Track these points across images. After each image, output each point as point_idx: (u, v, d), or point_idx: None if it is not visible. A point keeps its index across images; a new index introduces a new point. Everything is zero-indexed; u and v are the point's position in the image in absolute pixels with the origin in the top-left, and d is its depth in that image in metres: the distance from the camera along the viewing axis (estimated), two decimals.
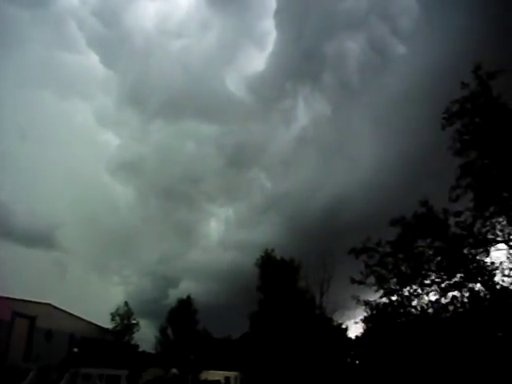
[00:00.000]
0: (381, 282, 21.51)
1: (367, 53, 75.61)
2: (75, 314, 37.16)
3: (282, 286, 44.08)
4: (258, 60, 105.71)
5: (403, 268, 21.39)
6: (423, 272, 21.95)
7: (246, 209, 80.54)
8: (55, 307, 34.70)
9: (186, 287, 64.84)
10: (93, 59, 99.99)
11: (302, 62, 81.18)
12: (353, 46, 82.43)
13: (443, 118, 18.71)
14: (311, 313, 42.05)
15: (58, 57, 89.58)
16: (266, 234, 62.66)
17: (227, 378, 51.26)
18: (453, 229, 21.05)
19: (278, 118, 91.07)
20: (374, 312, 24.12)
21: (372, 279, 21.47)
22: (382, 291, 21.85)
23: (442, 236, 21.43)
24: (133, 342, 42.72)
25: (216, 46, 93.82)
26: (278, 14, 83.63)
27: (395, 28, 72.14)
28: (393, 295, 22.19)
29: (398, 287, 21.54)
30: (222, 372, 49.37)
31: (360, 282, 22.03)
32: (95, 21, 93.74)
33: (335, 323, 46.65)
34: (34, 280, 51.78)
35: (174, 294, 56.34)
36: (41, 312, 32.66)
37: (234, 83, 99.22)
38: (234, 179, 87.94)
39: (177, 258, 74.45)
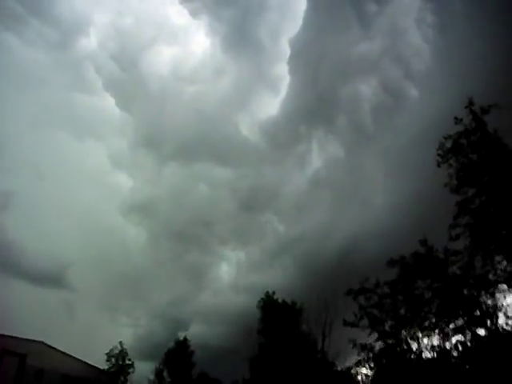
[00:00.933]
0: (374, 325, 20.74)
1: (380, 96, 76.23)
2: (70, 353, 36.07)
3: (283, 329, 42.90)
4: (271, 104, 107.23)
5: (402, 310, 20.64)
6: (422, 314, 21.15)
7: (258, 252, 79.63)
8: (48, 345, 33.77)
9: (196, 330, 63.24)
10: (109, 101, 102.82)
11: (316, 106, 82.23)
12: (366, 89, 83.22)
13: (438, 155, 18.38)
14: (313, 357, 40.56)
15: (75, 98, 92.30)
16: (277, 277, 61.62)
17: None
18: (452, 269, 20.41)
19: (292, 161, 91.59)
20: (370, 355, 23.18)
21: (366, 321, 20.78)
22: (376, 334, 21.09)
23: (442, 277, 20.73)
24: None
25: (230, 90, 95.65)
26: (292, 58, 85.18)
27: (408, 71, 73.06)
28: (388, 338, 21.33)
29: (393, 330, 20.74)
30: None
31: (352, 325, 21.33)
32: (113, 64, 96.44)
33: (340, 368, 45.10)
34: (42, 319, 51.55)
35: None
36: (32, 350, 31.70)
37: (248, 127, 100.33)
38: (246, 223, 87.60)
39: (187, 300, 73.39)
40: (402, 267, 20.98)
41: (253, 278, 67.06)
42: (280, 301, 46.08)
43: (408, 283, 21.01)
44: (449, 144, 18.43)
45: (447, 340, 21.67)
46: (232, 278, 75.51)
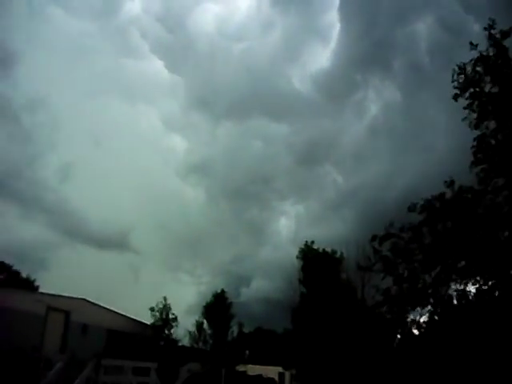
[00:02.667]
0: (388, 269, 20.09)
1: (438, 33, 71.72)
2: (112, 309, 37.50)
3: (323, 278, 42.90)
4: (323, 55, 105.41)
5: (420, 256, 19.83)
6: (450, 261, 20.32)
7: (318, 205, 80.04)
8: (91, 302, 35.19)
9: (257, 285, 65.39)
10: (157, 65, 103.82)
11: (370, 51, 79.47)
12: (422, 27, 78.69)
13: (454, 88, 17.06)
14: (352, 304, 40.48)
15: (124, 64, 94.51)
16: (338, 229, 61.52)
17: (281, 374, 50.66)
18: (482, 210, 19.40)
19: (348, 110, 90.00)
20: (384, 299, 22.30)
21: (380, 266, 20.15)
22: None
23: (472, 218, 19.73)
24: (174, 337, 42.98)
25: (279, 44, 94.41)
26: (342, 5, 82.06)
27: (468, 3, 68.42)
28: (404, 283, 20.62)
29: (410, 274, 19.99)
30: (263, 367, 48.76)
31: (366, 269, 20.77)
32: (158, 27, 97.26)
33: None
34: (109, 281, 56.97)
35: (246, 293, 57.42)
36: (76, 307, 33.12)
37: (301, 80, 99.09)
38: (304, 177, 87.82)
39: (248, 257, 75.51)
40: (428, 210, 19.97)
41: (313, 231, 67.56)
42: (320, 250, 45.92)
43: (434, 227, 20.06)
44: (468, 71, 16.88)
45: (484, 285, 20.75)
46: (292, 233, 76.11)
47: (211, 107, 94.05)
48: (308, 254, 44.82)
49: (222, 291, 47.56)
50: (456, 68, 16.94)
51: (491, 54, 16.22)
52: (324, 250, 45.16)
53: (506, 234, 18.93)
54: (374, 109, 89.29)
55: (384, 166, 71.43)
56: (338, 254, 44.37)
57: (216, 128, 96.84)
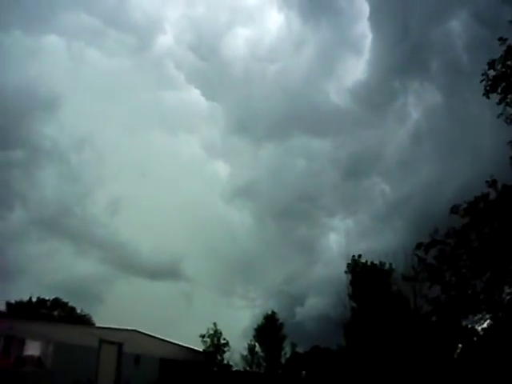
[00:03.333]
0: (434, 277, 19.36)
1: (474, 29, 69.37)
2: (163, 338, 37.73)
3: (373, 291, 41.98)
4: (358, 66, 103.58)
5: (467, 262, 19.07)
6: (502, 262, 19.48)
7: (367, 218, 78.29)
8: (142, 333, 35.58)
9: (311, 304, 64.24)
10: (194, 93, 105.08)
11: (406, 56, 77.73)
12: (457, 24, 76.78)
13: (485, 84, 16.45)
14: (406, 315, 39.26)
15: (162, 96, 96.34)
16: (388, 241, 59.85)
17: None
18: None
19: (389, 119, 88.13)
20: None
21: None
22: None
23: None
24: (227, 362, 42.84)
25: (312, 61, 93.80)
26: (372, 14, 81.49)
27: None
28: (451, 290, 19.82)
29: (458, 281, 19.20)
30: None
31: (411, 279, 20.12)
32: (192, 56, 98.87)
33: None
34: (162, 311, 56.28)
35: (301, 312, 56.54)
36: (128, 338, 33.54)
37: (338, 94, 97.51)
38: (351, 190, 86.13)
39: (300, 275, 74.24)
40: (471, 213, 19.25)
41: (363, 244, 65.60)
42: (369, 263, 45.11)
43: (480, 229, 19.30)
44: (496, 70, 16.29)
45: None
46: (342, 248, 74.43)
47: (251, 130, 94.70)
48: (356, 268, 43.90)
49: (273, 313, 47.21)
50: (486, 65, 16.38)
51: None
52: (372, 262, 44.09)
53: None
54: (415, 114, 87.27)
55: (432, 172, 69.38)
56: (387, 266, 43.09)
57: (257, 150, 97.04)
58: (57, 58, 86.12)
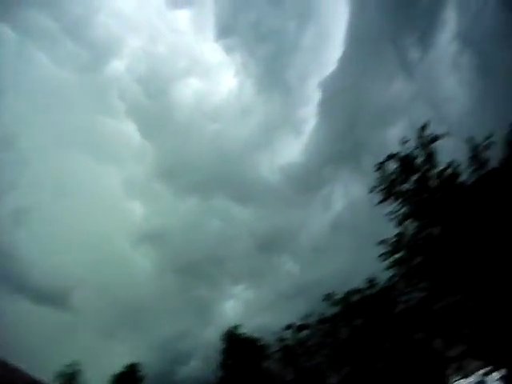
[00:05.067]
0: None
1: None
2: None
3: (243, 363, 41.26)
4: (295, 147, 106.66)
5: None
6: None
7: (271, 294, 77.90)
8: None
9: (196, 365, 61.89)
10: (130, 127, 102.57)
11: (342, 149, 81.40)
12: (395, 131, 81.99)
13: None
14: None
15: (98, 121, 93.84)
16: (287, 319, 59.86)
17: None
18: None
19: (314, 203, 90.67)
20: None
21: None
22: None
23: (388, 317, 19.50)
24: None
25: (254, 131, 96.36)
26: (320, 102, 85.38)
27: (440, 114, 71.27)
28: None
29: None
30: None
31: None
32: (139, 89, 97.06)
33: None
34: (40, 337, 52.59)
35: (184, 371, 54.18)
36: None
37: (270, 169, 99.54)
38: (261, 263, 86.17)
39: (190, 335, 71.65)
40: (343, 304, 19.60)
41: (262, 318, 65.33)
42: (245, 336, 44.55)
43: (349, 320, 19.63)
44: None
45: None
46: (239, 317, 73.48)
47: (177, 179, 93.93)
48: (232, 337, 43.10)
49: (134, 363, 44.81)
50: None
51: (418, 155, 17.18)
52: (249, 336, 43.56)
53: (421, 335, 18.81)
54: (339, 203, 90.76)
55: (344, 261, 71.44)
56: (264, 342, 42.70)
57: (178, 201, 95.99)
58: (4, 51, 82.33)
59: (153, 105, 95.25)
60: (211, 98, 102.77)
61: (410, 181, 18.00)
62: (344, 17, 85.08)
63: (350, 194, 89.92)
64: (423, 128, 18.18)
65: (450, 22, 56.68)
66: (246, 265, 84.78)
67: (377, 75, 78.90)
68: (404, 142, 18.19)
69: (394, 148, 18.52)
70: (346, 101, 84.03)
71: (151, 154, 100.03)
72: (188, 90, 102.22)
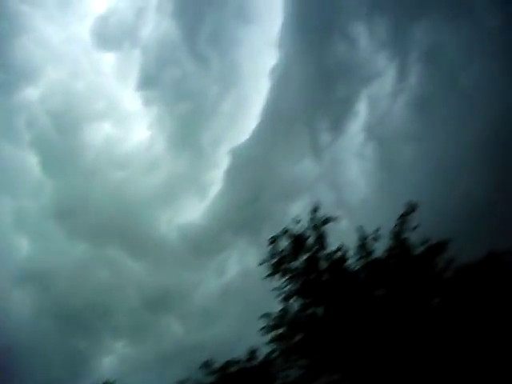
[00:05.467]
0: None
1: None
2: None
3: None
4: (197, 209, 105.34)
5: None
6: None
7: (151, 353, 74.32)
8: None
9: None
10: (31, 159, 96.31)
11: (244, 219, 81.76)
12: (296, 208, 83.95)
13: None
14: None
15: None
16: (167, 381, 57.40)
17: None
18: None
19: (208, 268, 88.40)
20: None
21: None
22: None
23: None
24: None
25: (159, 186, 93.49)
26: (232, 168, 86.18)
27: (340, 198, 74.32)
28: None
29: None
30: None
31: None
32: (48, 122, 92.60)
33: None
34: None
35: None
36: None
37: (169, 226, 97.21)
38: (145, 320, 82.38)
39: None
40: (220, 374, 19.36)
41: (138, 378, 62.52)
42: None
43: None
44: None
45: None
46: (115, 374, 69.57)
47: (72, 221, 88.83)
48: None
49: None
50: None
51: (310, 235, 17.97)
52: None
53: None
54: (233, 271, 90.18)
55: (230, 329, 70.66)
56: None
57: (69, 243, 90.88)
58: None
59: (61, 140, 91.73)
60: (121, 146, 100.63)
61: (300, 259, 18.83)
62: (264, 90, 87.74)
63: (245, 263, 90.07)
64: (315, 210, 19.29)
65: (361, 114, 60.08)
66: (130, 321, 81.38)
67: (287, 151, 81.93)
68: (297, 221, 19.11)
69: (294, 224, 19.39)
70: (254, 171, 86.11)
71: (49, 191, 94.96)
72: (100, 132, 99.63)
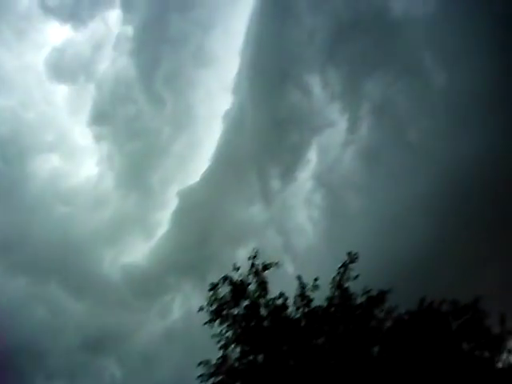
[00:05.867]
0: None
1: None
2: None
3: None
4: (143, 249, 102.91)
5: None
6: None
7: None
8: None
9: None
10: None
11: (189, 261, 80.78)
12: (242, 253, 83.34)
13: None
14: None
15: None
16: None
17: None
18: None
19: (152, 310, 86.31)
20: None
21: None
22: None
23: None
24: None
25: (104, 224, 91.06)
26: (179, 210, 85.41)
27: (288, 244, 74.56)
28: None
29: None
30: None
31: None
32: None
33: None
34: None
35: None
36: None
37: (113, 266, 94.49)
38: (82, 363, 78.61)
39: None
40: None
41: None
42: None
43: None
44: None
45: None
46: None
47: (11, 255, 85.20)
48: None
49: None
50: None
51: (251, 281, 18.15)
52: None
53: None
54: (176, 313, 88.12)
55: (170, 373, 68.63)
56: None
57: (6, 278, 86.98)
58: None
59: (5, 170, 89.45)
60: (68, 180, 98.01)
61: (241, 306, 18.80)
62: (217, 134, 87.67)
63: (189, 307, 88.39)
64: (255, 256, 19.56)
65: (311, 163, 61.46)
66: (66, 362, 77.90)
67: (237, 196, 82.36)
68: (236, 268, 19.26)
69: (234, 270, 19.45)
70: (202, 215, 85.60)
71: None
72: (47, 165, 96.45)
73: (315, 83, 58.52)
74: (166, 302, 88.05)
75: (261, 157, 70.52)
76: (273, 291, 19.77)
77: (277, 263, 19.61)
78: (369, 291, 19.89)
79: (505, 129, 40.79)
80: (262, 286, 18.94)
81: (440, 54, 50.96)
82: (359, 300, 19.96)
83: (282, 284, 21.70)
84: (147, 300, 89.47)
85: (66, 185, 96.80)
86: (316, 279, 19.07)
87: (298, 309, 18.78)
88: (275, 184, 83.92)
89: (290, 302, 19.63)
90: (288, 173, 68.84)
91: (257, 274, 18.94)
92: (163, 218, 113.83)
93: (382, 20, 54.10)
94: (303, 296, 18.88)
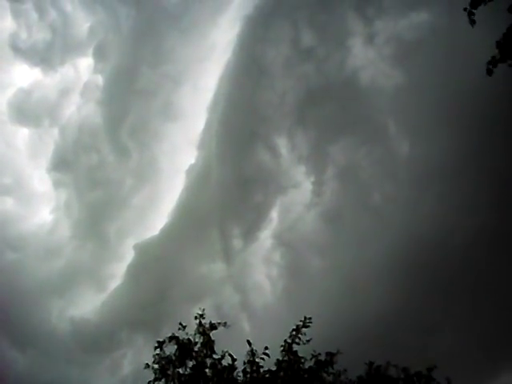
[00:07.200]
0: None
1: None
2: None
3: None
4: (93, 302, 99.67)
5: None
6: None
7: None
8: None
9: None
10: None
11: (143, 315, 79.24)
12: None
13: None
14: None
15: None
16: None
17: None
18: None
19: (101, 365, 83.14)
20: None
21: None
22: None
23: None
24: None
25: (55, 274, 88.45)
26: (132, 264, 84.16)
27: (246, 301, 74.02)
28: None
29: None
30: None
31: None
32: None
33: None
34: None
35: None
36: None
37: (61, 318, 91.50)
38: None
39: None
40: None
41: None
42: None
43: None
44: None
45: None
46: None
47: None
48: None
49: None
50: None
51: (198, 340, 18.33)
52: None
53: None
54: (127, 368, 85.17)
55: None
56: None
57: None
58: None
59: None
60: (21, 226, 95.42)
61: (187, 366, 18.67)
62: (179, 189, 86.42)
63: (140, 363, 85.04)
64: (202, 315, 19.55)
65: (273, 221, 62.35)
66: None
67: (195, 253, 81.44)
68: (183, 326, 19.18)
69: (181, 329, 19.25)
70: (158, 269, 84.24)
71: None
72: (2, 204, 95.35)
73: (283, 144, 60.70)
74: (116, 358, 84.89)
75: (223, 214, 70.49)
76: (229, 349, 19.60)
77: (225, 323, 19.57)
78: (317, 355, 19.89)
79: (463, 194, 42.45)
80: (209, 345, 18.84)
81: (403, 122, 53.64)
82: (308, 364, 19.94)
83: (238, 342, 21.52)
84: (96, 355, 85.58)
85: (18, 230, 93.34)
86: (266, 348, 18.96)
87: (245, 374, 18.53)
88: (236, 242, 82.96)
89: (240, 361, 19.51)
90: (250, 231, 68.89)
91: (204, 333, 18.89)
92: (118, 271, 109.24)
93: (350, 88, 56.93)
94: (252, 362, 18.75)
